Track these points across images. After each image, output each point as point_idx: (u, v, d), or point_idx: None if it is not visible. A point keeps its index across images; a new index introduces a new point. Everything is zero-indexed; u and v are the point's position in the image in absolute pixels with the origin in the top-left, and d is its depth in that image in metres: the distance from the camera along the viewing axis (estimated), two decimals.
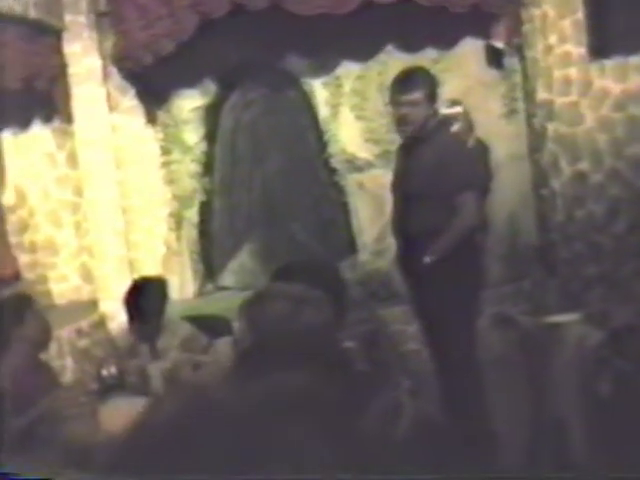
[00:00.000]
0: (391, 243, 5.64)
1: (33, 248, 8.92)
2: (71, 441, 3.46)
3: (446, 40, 7.80)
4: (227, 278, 8.63)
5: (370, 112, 7.93)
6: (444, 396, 4.94)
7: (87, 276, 8.80)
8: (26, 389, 4.18)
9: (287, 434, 1.61)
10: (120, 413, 3.21)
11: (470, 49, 7.90)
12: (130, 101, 8.41)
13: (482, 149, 6.58)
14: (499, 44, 7.82)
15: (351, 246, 8.20)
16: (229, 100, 8.44)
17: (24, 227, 8.89)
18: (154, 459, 1.63)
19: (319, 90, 8.06)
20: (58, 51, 8.19)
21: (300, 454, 1.58)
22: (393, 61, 7.60)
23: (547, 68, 7.74)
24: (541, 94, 7.78)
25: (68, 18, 8.14)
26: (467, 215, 4.95)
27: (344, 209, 8.23)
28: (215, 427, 1.66)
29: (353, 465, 1.62)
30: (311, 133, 8.30)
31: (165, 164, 8.50)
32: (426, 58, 7.54)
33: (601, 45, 7.68)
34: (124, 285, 5.42)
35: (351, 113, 8.02)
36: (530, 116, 7.96)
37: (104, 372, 4.48)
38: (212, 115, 8.41)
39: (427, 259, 4.88)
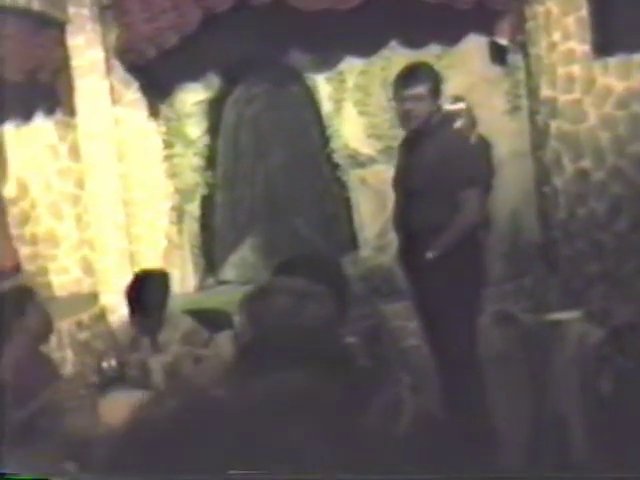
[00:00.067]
0: (393, 239, 5.63)
1: (34, 240, 8.91)
2: (71, 434, 3.47)
3: (450, 36, 7.78)
4: (228, 272, 8.62)
5: (373, 107, 7.91)
6: (445, 393, 4.94)
7: (88, 269, 8.79)
8: (27, 381, 4.19)
9: (287, 432, 1.60)
10: (120, 406, 3.20)
11: (474, 46, 7.88)
12: (133, 94, 8.39)
13: (485, 146, 6.58)
14: (503, 41, 7.80)
15: (353, 241, 8.19)
16: (232, 94, 8.43)
17: (25, 219, 8.89)
18: (153, 454, 1.62)
19: (322, 85, 8.04)
20: (61, 43, 8.16)
21: (300, 453, 1.57)
22: (396, 57, 7.57)
23: (551, 65, 7.72)
24: (544, 91, 7.77)
25: (71, 10, 8.12)
26: (469, 211, 4.94)
27: (346, 204, 8.22)
28: (214, 423, 1.66)
29: (353, 464, 1.61)
30: (314, 128, 8.29)
31: (167, 157, 8.49)
32: (430, 54, 7.51)
33: (605, 43, 7.66)
34: (125, 278, 5.42)
35: (354, 108, 8.00)
36: (533, 113, 7.94)
37: (104, 365, 4.48)
38: (215, 109, 8.40)
39: (429, 255, 4.86)
